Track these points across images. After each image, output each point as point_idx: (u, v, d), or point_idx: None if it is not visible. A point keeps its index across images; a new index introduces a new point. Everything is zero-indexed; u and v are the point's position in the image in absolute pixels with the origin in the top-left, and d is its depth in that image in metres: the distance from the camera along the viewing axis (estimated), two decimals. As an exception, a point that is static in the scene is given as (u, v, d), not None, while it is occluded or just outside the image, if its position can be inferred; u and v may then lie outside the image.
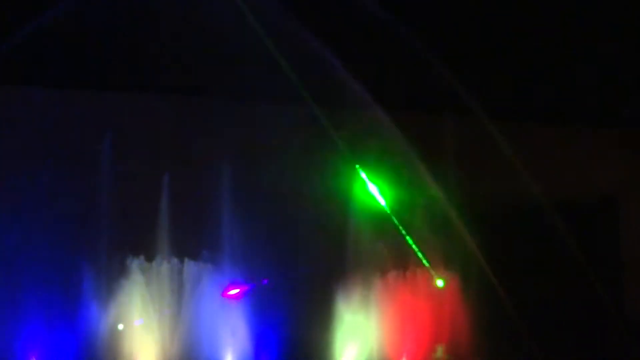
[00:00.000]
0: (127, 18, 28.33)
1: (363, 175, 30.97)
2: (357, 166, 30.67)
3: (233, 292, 29.63)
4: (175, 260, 29.66)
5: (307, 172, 29.80)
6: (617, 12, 33.14)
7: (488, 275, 30.52)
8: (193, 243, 29.66)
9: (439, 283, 31.40)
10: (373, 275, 31.03)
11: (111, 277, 29.04)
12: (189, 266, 29.68)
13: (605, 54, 33.82)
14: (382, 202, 30.91)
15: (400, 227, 30.82)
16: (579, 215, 32.78)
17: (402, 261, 31.27)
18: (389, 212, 30.83)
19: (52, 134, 28.03)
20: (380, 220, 30.72)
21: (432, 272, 31.28)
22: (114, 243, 29.04)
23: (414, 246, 30.88)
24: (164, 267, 29.62)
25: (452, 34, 32.19)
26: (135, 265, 29.28)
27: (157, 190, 29.78)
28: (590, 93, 34.15)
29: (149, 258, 29.54)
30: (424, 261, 31.09)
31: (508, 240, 31.80)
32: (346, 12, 29.74)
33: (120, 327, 29.15)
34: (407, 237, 30.95)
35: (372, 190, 30.99)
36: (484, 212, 30.90)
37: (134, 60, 29.21)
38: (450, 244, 30.89)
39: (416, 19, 30.38)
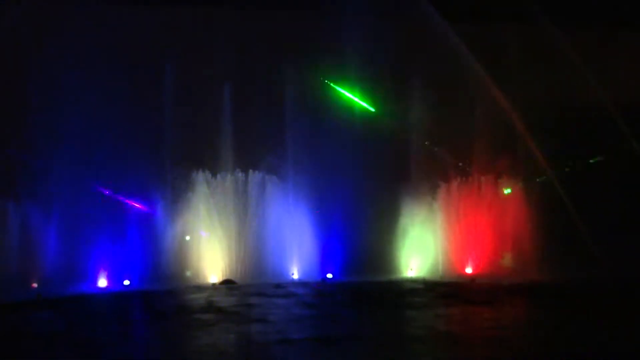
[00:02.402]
0: None
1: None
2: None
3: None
4: (239, 172, 29.75)
5: (372, 81, 29.54)
6: None
7: (552, 181, 30.26)
8: (257, 154, 29.69)
9: (505, 190, 31.18)
10: (437, 182, 30.87)
11: (177, 190, 29.22)
12: (254, 177, 29.75)
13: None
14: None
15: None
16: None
17: (466, 168, 31.04)
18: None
19: (116, 47, 27.91)
20: (441, 129, 30.41)
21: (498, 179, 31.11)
22: (179, 157, 29.17)
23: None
24: (228, 178, 29.76)
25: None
26: (200, 177, 29.46)
27: (220, 102, 29.79)
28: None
29: (214, 170, 29.67)
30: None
31: (572, 146, 31.40)
32: None
33: (188, 238, 29.47)
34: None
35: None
36: (550, 118, 30.45)
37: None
38: (514, 151, 30.56)
39: None
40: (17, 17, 27.49)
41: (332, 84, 30.06)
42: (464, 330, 19.42)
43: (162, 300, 24.56)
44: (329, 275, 29.12)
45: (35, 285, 26.73)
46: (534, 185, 31.07)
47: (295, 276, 29.38)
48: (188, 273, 28.96)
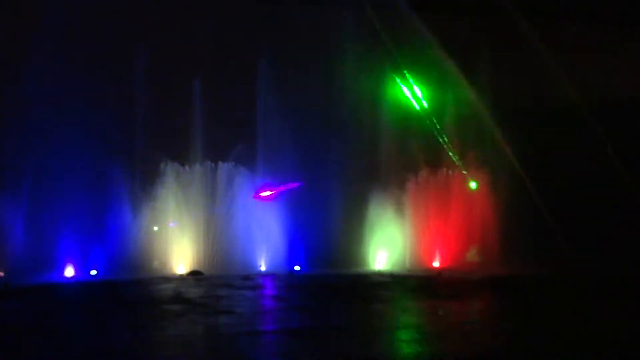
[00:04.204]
0: None
1: (396, 76, 30.81)
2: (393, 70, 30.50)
3: (265, 193, 29.76)
4: (208, 163, 29.69)
5: (342, 74, 29.58)
6: None
7: (520, 175, 30.43)
8: (226, 145, 29.64)
9: (472, 185, 31.37)
10: (406, 176, 30.97)
11: (146, 181, 29.13)
12: (222, 168, 29.71)
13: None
14: (415, 103, 30.84)
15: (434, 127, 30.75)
16: (611, 114, 32.19)
17: (435, 161, 31.18)
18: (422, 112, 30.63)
19: (88, 40, 27.76)
20: (412, 121, 30.59)
21: (465, 173, 31.25)
22: (148, 147, 29.05)
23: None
24: (197, 169, 29.68)
25: None
26: (169, 168, 29.37)
27: (190, 94, 29.69)
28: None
29: (183, 161, 29.59)
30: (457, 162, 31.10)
31: (540, 141, 31.56)
32: None
33: (155, 229, 29.39)
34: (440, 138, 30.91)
35: (405, 91, 30.88)
36: (517, 112, 30.70)
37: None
38: (482, 144, 30.74)
39: None
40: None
41: None
42: (431, 323, 19.56)
43: (129, 291, 24.51)
44: (297, 268, 29.17)
45: (1, 274, 26.55)
46: (502, 180, 31.13)
47: (263, 268, 29.42)
48: (155, 263, 28.87)
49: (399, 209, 30.86)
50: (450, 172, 31.45)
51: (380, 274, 28.74)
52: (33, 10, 27.34)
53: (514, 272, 28.06)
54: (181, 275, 28.12)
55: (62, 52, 27.15)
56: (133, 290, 24.57)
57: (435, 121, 30.91)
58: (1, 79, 27.21)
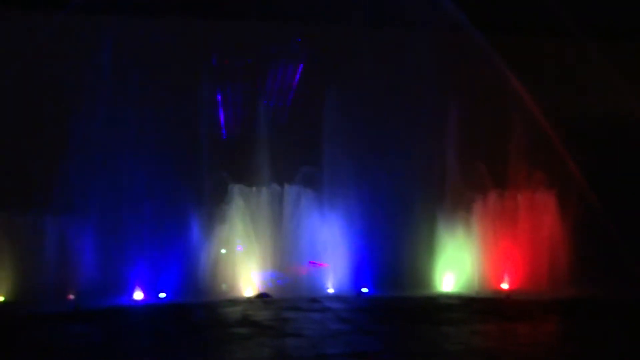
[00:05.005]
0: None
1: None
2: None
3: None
4: (275, 185, 29.79)
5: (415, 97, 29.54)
6: None
7: (589, 195, 29.95)
8: (293, 168, 29.72)
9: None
10: (473, 197, 30.65)
11: (213, 203, 29.31)
12: (289, 190, 29.76)
13: None
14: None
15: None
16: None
17: (503, 182, 30.84)
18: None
19: (154, 63, 28.14)
20: (479, 141, 30.33)
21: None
22: (215, 169, 29.24)
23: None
24: (264, 191, 29.77)
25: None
26: (236, 190, 29.51)
27: (258, 117, 29.89)
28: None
29: (250, 183, 29.73)
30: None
31: (609, 160, 31.07)
32: None
33: (223, 251, 29.51)
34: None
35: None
36: (584, 131, 30.31)
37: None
38: (550, 164, 30.32)
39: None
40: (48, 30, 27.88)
41: None
42: (500, 347, 19.30)
43: (197, 314, 24.65)
44: (365, 290, 29.02)
45: (72, 296, 26.93)
46: (571, 200, 30.66)
47: (331, 290, 29.31)
48: (223, 286, 28.95)
49: (467, 229, 30.50)
50: (518, 192, 30.88)
51: (447, 296, 28.45)
52: (102, 33, 27.91)
53: (585, 294, 27.57)
54: (249, 298, 28.17)
55: (128, 73, 27.60)
56: (201, 313, 24.71)
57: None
58: (69, 103, 27.73)
